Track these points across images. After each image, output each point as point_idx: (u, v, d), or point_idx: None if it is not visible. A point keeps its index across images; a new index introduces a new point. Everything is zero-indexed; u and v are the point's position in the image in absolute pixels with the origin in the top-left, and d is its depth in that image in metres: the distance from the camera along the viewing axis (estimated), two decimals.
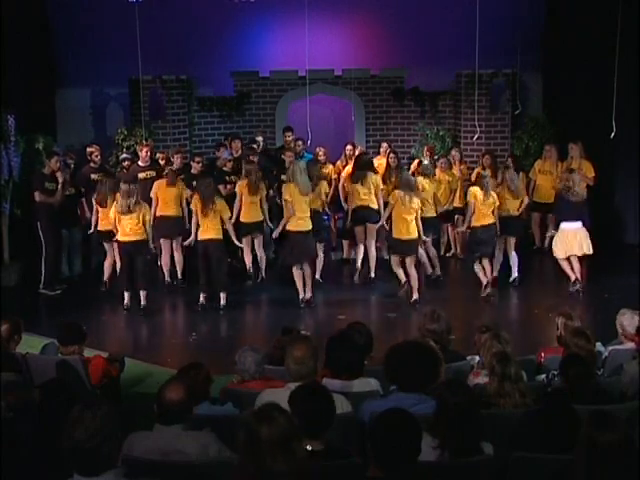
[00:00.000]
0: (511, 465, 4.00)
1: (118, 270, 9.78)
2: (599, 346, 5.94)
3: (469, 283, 10.07)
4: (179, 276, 10.43)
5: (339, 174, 11.28)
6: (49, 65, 12.33)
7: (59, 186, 10.12)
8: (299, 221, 9.35)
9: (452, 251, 11.58)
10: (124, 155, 11.30)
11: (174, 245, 10.33)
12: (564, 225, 9.77)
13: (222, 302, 9.51)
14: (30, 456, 4.02)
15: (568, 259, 9.76)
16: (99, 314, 9.50)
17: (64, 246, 10.61)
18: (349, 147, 11.45)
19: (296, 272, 9.47)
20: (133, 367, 7.31)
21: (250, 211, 10.10)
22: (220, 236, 9.47)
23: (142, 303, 9.44)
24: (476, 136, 11.38)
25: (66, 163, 10.96)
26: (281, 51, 12.85)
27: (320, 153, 11.25)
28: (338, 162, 11.52)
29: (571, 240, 9.68)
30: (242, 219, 10.05)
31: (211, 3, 12.46)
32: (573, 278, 9.74)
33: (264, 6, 12.46)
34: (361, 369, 5.05)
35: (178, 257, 10.40)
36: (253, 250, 10.39)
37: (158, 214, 10.09)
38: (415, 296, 9.46)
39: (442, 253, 11.46)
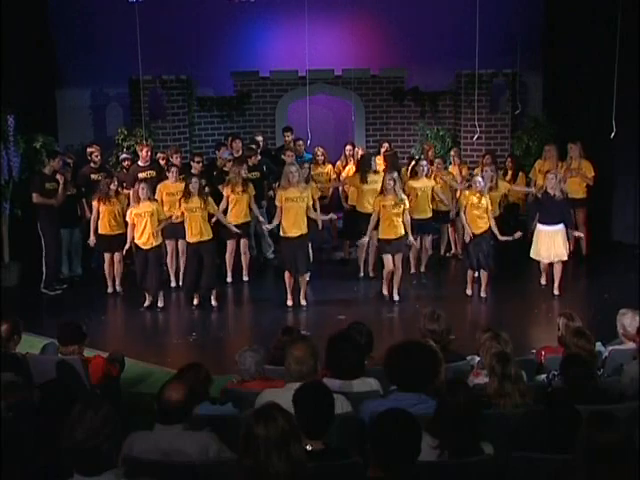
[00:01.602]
0: (511, 465, 4.00)
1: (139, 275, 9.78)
2: (599, 346, 5.95)
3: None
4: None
5: (339, 174, 11.29)
6: (49, 65, 12.32)
7: (60, 186, 10.13)
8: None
9: (452, 251, 11.57)
10: (124, 155, 11.30)
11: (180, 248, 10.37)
12: (541, 227, 9.73)
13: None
14: (30, 456, 4.01)
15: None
16: (99, 314, 9.50)
17: (64, 246, 10.61)
18: (349, 147, 11.45)
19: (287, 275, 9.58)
20: (133, 367, 7.32)
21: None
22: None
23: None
24: (476, 136, 11.37)
25: (66, 163, 10.97)
26: (281, 51, 12.85)
27: (318, 153, 11.27)
28: (338, 162, 11.53)
29: (547, 244, 9.65)
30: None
31: (211, 3, 12.46)
32: (544, 282, 9.89)
33: (264, 6, 12.46)
34: (362, 369, 5.05)
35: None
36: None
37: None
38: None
39: (442, 253, 11.47)
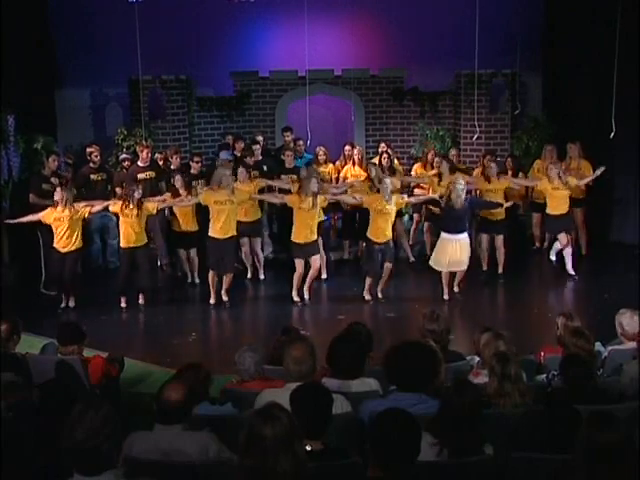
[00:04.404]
0: (511, 465, 4.00)
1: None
2: (598, 346, 5.94)
3: (468, 283, 10.05)
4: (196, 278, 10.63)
5: (338, 174, 11.30)
6: (49, 65, 12.31)
7: (57, 187, 10.10)
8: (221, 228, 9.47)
9: None
10: (124, 155, 11.30)
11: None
12: (446, 236, 9.56)
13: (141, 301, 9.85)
14: (30, 456, 4.01)
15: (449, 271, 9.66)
16: (99, 314, 9.50)
17: None
18: (348, 147, 11.45)
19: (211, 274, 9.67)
20: (133, 367, 7.32)
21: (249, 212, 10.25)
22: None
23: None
24: (476, 136, 11.38)
25: (67, 163, 10.97)
26: (281, 51, 12.85)
27: (320, 153, 11.28)
28: (337, 162, 11.53)
29: (450, 253, 9.47)
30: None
31: (211, 3, 12.46)
32: (447, 296, 9.65)
33: (264, 6, 12.46)
34: (361, 369, 5.06)
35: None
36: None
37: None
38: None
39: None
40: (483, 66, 11.28)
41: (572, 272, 10.38)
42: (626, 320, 6.01)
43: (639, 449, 3.44)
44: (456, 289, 9.71)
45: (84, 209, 9.55)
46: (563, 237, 10.34)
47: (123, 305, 9.72)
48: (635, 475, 3.34)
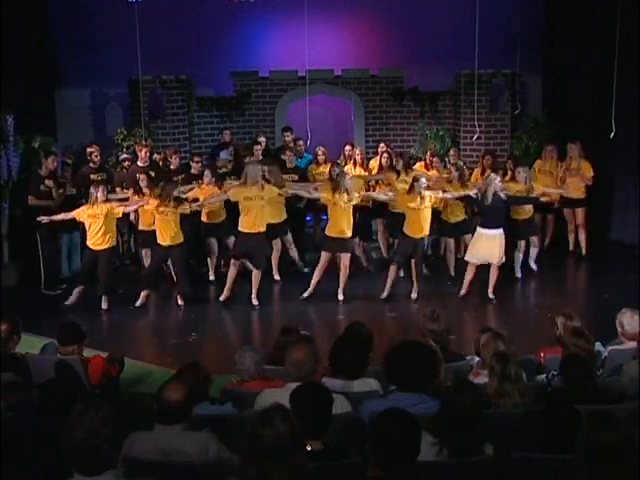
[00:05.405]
0: (511, 465, 4.00)
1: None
2: (598, 346, 5.94)
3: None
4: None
5: None
6: (49, 65, 12.31)
7: (53, 189, 10.10)
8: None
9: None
10: (124, 155, 11.30)
11: None
12: (481, 230, 9.53)
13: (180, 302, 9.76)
14: (30, 456, 4.01)
15: (476, 267, 9.62)
16: (99, 314, 9.49)
17: (64, 247, 10.59)
18: (348, 147, 11.45)
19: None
20: (133, 367, 7.32)
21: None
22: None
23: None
24: (475, 136, 11.37)
25: (66, 163, 10.97)
26: (281, 51, 12.85)
27: (319, 153, 11.27)
28: (338, 162, 11.51)
29: (483, 247, 9.45)
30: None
31: (211, 3, 12.46)
32: (465, 291, 9.66)
33: (264, 6, 12.45)
34: (362, 369, 5.06)
35: None
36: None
37: None
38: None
39: (442, 253, 11.46)
40: (483, 66, 11.27)
41: (519, 275, 10.31)
42: (626, 320, 6.01)
43: (639, 449, 3.44)
44: (491, 296, 9.60)
45: (118, 208, 9.54)
46: (522, 245, 10.31)
47: (138, 303, 9.64)
48: (635, 475, 3.34)
